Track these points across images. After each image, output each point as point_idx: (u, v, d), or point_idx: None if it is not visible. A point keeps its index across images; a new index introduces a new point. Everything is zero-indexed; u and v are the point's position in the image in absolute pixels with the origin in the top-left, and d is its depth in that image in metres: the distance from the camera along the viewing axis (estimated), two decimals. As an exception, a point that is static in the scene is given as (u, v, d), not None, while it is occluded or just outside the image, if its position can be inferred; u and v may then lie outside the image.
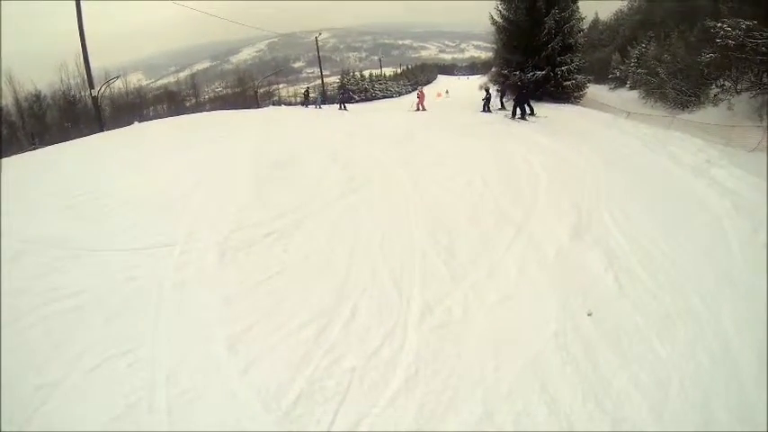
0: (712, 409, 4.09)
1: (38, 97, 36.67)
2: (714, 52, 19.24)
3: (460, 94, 23.56)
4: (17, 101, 35.97)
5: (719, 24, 18.50)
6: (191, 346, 4.94)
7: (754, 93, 18.44)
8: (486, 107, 21.42)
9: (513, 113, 18.92)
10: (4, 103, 35.46)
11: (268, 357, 4.76)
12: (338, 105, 28.89)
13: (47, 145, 19.95)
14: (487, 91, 22.23)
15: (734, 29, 18.01)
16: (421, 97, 25.74)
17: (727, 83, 19.63)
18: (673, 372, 4.45)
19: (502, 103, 20.48)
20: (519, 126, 15.42)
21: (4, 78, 35.23)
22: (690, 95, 21.11)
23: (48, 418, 4.13)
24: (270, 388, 4.35)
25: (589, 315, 5.26)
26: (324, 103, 31.08)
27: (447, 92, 35.91)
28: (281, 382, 4.42)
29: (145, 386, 4.40)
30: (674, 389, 4.26)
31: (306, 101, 32.38)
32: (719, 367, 4.51)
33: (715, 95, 20.00)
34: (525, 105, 18.92)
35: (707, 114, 19.04)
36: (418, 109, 24.66)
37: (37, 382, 4.46)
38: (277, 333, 5.12)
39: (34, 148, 21.02)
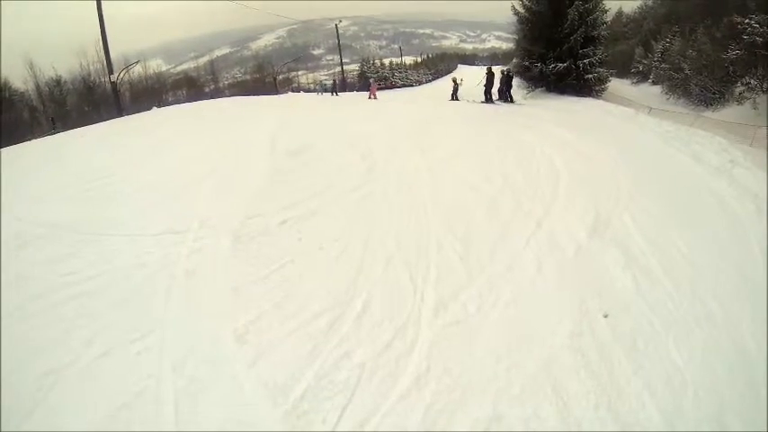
0: (727, 422, 3.96)
1: (58, 82, 37.13)
2: (740, 49, 18.92)
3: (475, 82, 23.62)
4: (38, 86, 36.42)
5: (747, 20, 18.15)
6: (199, 335, 4.91)
7: (781, 92, 18.11)
8: (455, 96, 24.19)
9: (485, 98, 22.24)
10: (25, 87, 35.94)
11: (277, 349, 4.71)
12: (330, 93, 33.20)
13: (67, 129, 20.14)
14: (455, 81, 24.72)
15: (762, 25, 17.67)
16: (373, 89, 29.48)
17: (753, 81, 19.27)
18: (688, 380, 4.33)
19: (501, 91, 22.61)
20: (538, 119, 15.22)
21: (25, 64, 35.68)
22: (714, 93, 20.77)
23: (55, 403, 4.13)
24: (277, 381, 4.30)
25: (605, 317, 5.15)
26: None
27: (462, 80, 36.96)
28: (288, 375, 4.37)
29: (152, 375, 4.38)
30: (688, 398, 4.14)
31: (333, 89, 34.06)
32: (736, 378, 4.38)
33: (740, 94, 19.65)
34: (490, 91, 22.25)
35: (731, 113, 18.73)
36: (370, 97, 27.66)
37: (45, 368, 4.46)
38: (287, 324, 5.07)
39: (53, 132, 21.27)
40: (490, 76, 22.40)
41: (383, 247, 6.62)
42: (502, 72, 23.33)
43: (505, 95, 22.19)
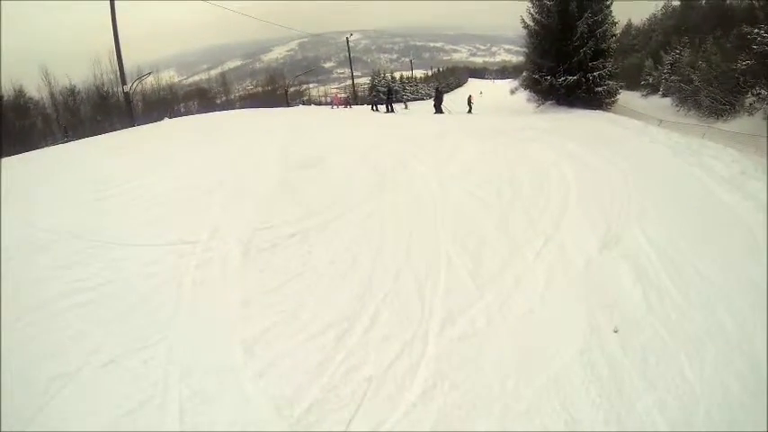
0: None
1: (72, 91, 37.51)
2: (750, 59, 18.79)
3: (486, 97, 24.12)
4: (52, 94, 36.84)
5: (756, 30, 18.06)
6: (207, 346, 4.92)
7: (791, 102, 17.99)
8: (389, 107, 28.35)
9: (386, 109, 27.76)
10: (39, 96, 36.37)
11: (284, 362, 4.71)
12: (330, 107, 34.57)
13: (79, 138, 20.32)
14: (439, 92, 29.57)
15: (771, 35, 17.56)
16: (337, 100, 34.30)
17: (763, 91, 19.12)
18: (700, 397, 4.26)
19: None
20: (548, 133, 15.17)
21: (40, 72, 36.14)
22: (725, 104, 20.66)
23: (60, 409, 4.15)
24: (284, 393, 4.30)
25: (615, 332, 5.10)
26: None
27: (481, 92, 37.85)
28: (295, 387, 4.37)
29: (158, 384, 4.40)
30: (700, 416, 4.08)
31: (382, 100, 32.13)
32: (749, 396, 4.30)
33: (751, 104, 19.53)
34: (390, 104, 28.43)
35: (742, 124, 18.59)
36: (337, 107, 30.84)
37: (51, 374, 4.50)
38: (295, 337, 5.07)
39: (66, 141, 21.47)
40: (390, 91, 30.70)
41: (392, 261, 6.60)
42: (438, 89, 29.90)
43: (437, 108, 26.45)
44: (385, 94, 30.00)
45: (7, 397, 4.22)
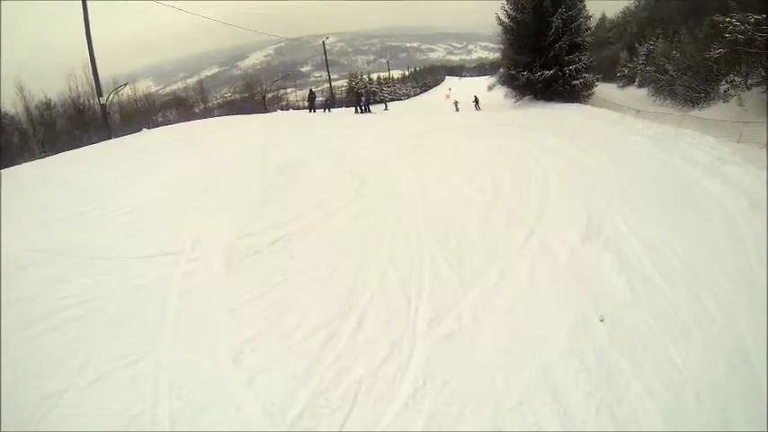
0: (730, 420, 3.94)
1: (48, 105, 36.93)
2: (723, 48, 19.07)
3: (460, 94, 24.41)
4: (27, 109, 36.23)
5: (728, 19, 18.32)
6: (195, 356, 4.87)
7: (764, 88, 18.25)
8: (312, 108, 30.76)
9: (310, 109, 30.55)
10: (15, 111, 35.77)
11: (273, 368, 4.68)
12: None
13: (57, 152, 20.03)
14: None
15: (743, 23, 17.83)
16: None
17: (737, 78, 19.46)
18: (689, 381, 4.31)
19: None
20: (527, 128, 15.25)
21: (14, 87, 35.54)
22: (699, 92, 20.93)
23: (50, 428, 4.08)
24: (275, 400, 4.27)
25: (601, 321, 5.13)
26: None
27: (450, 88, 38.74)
28: (286, 393, 4.34)
29: (148, 398, 4.34)
30: (690, 399, 4.12)
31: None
32: (737, 376, 4.36)
33: (725, 91, 19.83)
34: (313, 108, 30.42)
35: (717, 111, 18.86)
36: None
37: (40, 393, 4.42)
38: (283, 343, 5.05)
39: (44, 156, 21.15)
40: (311, 95, 32.25)
41: (376, 263, 6.59)
42: (358, 91, 34.15)
43: (364, 108, 29.25)
44: (309, 100, 32.61)
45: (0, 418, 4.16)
